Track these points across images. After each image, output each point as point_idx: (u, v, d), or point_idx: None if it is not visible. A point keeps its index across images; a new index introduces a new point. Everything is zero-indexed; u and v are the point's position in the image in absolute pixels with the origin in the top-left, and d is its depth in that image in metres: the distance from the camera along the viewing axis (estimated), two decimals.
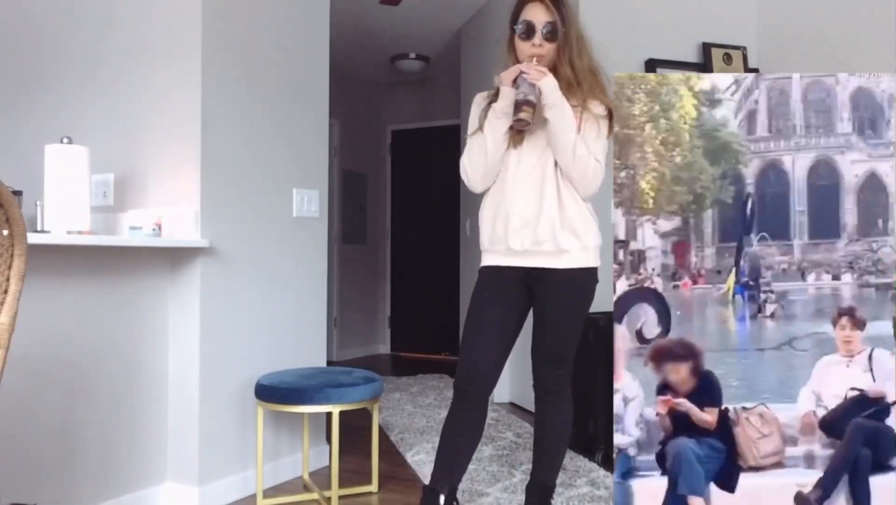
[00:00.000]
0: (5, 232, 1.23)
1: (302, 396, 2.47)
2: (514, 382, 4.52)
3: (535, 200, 2.07)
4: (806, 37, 3.61)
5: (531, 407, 4.22)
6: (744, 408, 1.89)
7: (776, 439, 1.88)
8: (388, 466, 3.09)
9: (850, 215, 1.94)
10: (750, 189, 1.96)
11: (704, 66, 3.65)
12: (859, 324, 1.88)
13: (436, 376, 5.40)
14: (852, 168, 1.94)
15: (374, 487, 2.80)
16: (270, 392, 2.53)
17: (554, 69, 2.05)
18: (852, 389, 1.88)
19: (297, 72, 3.03)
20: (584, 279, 2.13)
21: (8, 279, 1.24)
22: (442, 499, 2.06)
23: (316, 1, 3.15)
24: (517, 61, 2.06)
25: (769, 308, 1.94)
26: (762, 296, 1.94)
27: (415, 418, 3.96)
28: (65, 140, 2.33)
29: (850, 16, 3.44)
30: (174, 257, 2.60)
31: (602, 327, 3.11)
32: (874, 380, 1.87)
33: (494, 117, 2.07)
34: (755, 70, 3.75)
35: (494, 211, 2.13)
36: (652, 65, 3.62)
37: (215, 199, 2.62)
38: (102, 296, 2.38)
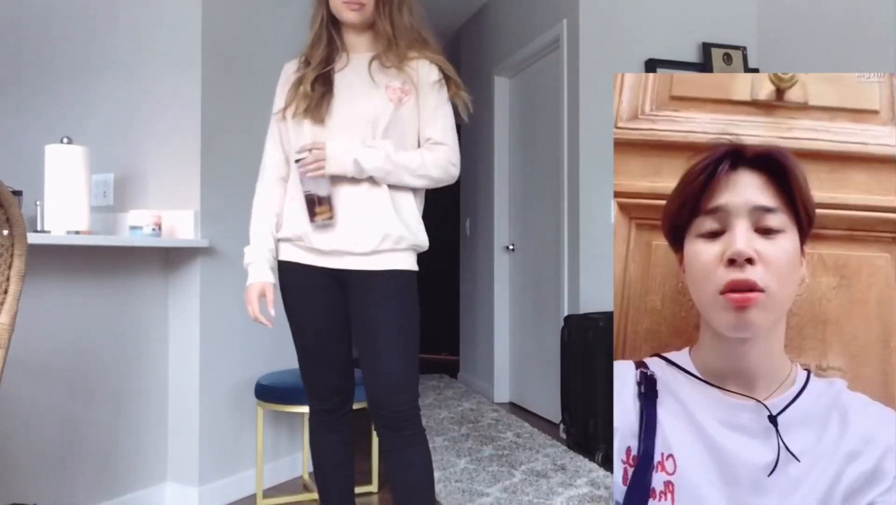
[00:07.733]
0: (5, 232, 1.23)
1: (302, 396, 2.46)
2: (514, 382, 4.52)
3: None
4: (806, 37, 3.61)
5: (531, 407, 4.24)
6: None
7: None
8: None
9: None
10: None
11: (704, 66, 3.65)
12: None
13: (436, 376, 5.41)
14: None
15: (374, 487, 2.80)
16: (270, 392, 2.53)
17: (372, 25, 1.74)
18: None
19: None
20: None
21: (8, 279, 1.24)
22: None
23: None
24: (328, 13, 1.73)
25: None
26: None
27: None
28: (65, 140, 2.32)
29: (850, 16, 3.44)
30: (174, 257, 2.60)
31: (602, 327, 3.10)
32: None
33: None
34: (755, 70, 3.75)
35: None
36: (652, 65, 3.61)
37: (215, 200, 2.62)
38: (102, 296, 2.38)
